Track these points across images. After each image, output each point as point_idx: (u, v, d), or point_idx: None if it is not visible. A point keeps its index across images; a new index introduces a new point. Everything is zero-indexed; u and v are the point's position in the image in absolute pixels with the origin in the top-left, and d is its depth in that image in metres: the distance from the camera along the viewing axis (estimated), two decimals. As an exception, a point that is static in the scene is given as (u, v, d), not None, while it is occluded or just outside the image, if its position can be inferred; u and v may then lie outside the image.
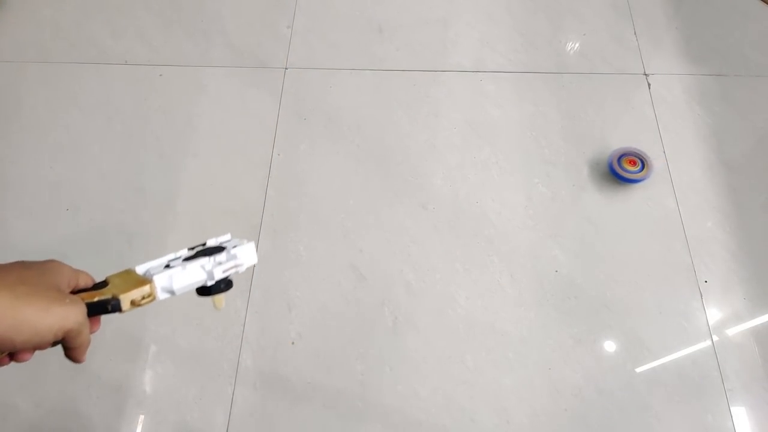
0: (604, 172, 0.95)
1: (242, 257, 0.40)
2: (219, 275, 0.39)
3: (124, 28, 1.14)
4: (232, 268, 0.39)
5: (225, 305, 0.42)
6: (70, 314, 0.32)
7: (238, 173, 0.97)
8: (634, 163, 0.92)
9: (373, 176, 0.97)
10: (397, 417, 0.79)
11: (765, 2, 1.13)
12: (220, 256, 0.39)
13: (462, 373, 0.81)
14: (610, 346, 0.83)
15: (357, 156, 0.99)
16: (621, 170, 0.91)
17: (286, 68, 1.08)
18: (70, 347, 0.34)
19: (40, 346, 0.32)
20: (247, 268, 0.41)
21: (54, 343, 0.33)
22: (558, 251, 0.89)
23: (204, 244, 0.41)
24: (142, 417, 0.80)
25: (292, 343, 0.84)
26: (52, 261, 0.35)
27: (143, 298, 0.36)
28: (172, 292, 0.37)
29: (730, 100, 1.02)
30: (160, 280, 0.36)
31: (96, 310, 0.34)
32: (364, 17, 1.14)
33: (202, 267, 0.38)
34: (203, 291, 0.39)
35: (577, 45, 1.10)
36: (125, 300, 0.35)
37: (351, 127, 1.02)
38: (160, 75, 1.08)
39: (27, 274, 0.33)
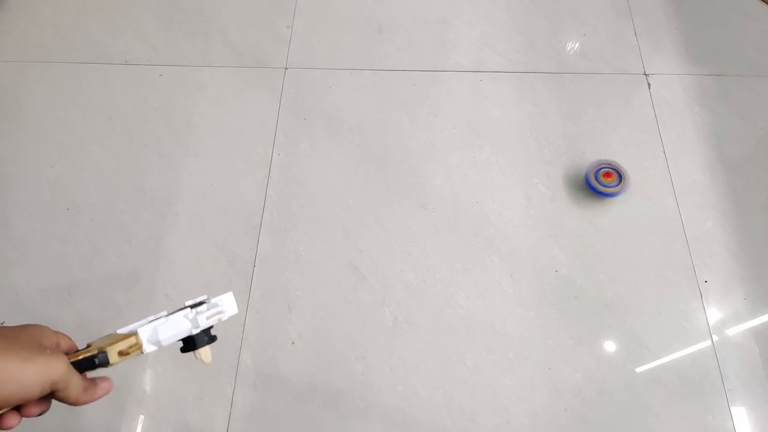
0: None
1: (223, 305, 0.41)
2: (203, 323, 0.39)
3: (124, 28, 1.14)
4: (215, 315, 0.40)
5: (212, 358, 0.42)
6: (53, 363, 0.32)
7: (238, 173, 0.97)
8: (610, 176, 0.91)
9: (373, 176, 0.97)
10: (397, 417, 0.79)
11: (765, 2, 1.13)
12: (201, 307, 0.40)
13: (462, 373, 0.81)
14: (610, 346, 0.83)
15: (357, 156, 0.99)
16: (597, 184, 0.90)
17: (286, 68, 1.08)
18: (63, 400, 0.34)
19: (26, 400, 0.31)
20: (230, 317, 0.41)
21: (46, 398, 0.33)
22: (558, 251, 0.89)
23: (183, 306, 0.41)
24: (142, 417, 0.80)
25: (292, 343, 0.84)
26: (31, 324, 0.35)
27: (130, 347, 0.36)
28: (158, 343, 0.37)
29: (730, 100, 1.02)
30: (144, 332, 0.37)
31: (83, 366, 0.35)
32: (364, 17, 1.14)
33: (185, 316, 0.38)
34: (188, 345, 0.39)
35: (577, 45, 1.10)
36: (112, 352, 0.35)
37: (351, 127, 1.02)
38: (160, 75, 1.08)
39: (5, 332, 0.33)
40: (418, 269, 0.89)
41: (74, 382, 0.33)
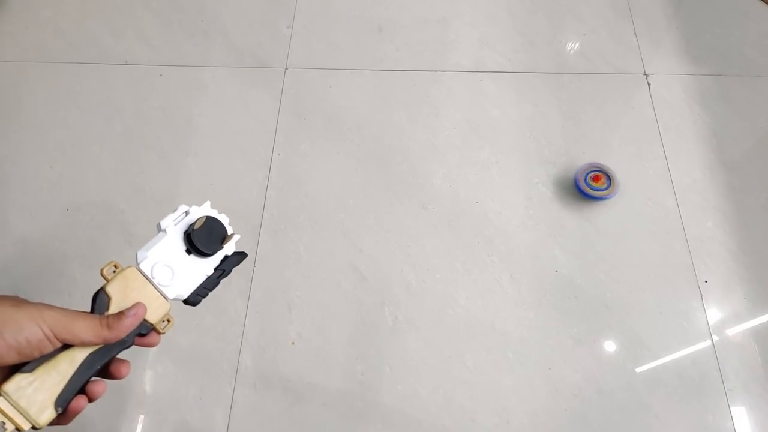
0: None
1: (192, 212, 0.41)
2: (164, 223, 0.40)
3: (124, 28, 1.14)
4: (180, 216, 0.41)
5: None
6: (44, 308, 0.32)
7: (238, 173, 0.97)
8: (599, 179, 0.91)
9: (373, 176, 0.97)
10: (397, 417, 0.79)
11: (765, 2, 1.13)
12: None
13: (462, 373, 0.81)
14: (610, 346, 0.83)
15: (357, 156, 0.99)
16: (587, 187, 0.90)
17: (286, 68, 1.08)
18: (84, 343, 0.33)
19: (35, 346, 0.31)
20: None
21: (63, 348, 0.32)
22: (558, 251, 0.89)
23: (187, 213, 0.41)
24: (142, 417, 0.80)
25: (292, 343, 0.84)
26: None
27: (115, 266, 0.37)
28: (144, 255, 0.38)
29: (730, 100, 1.02)
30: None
31: (91, 309, 0.34)
32: (364, 17, 1.14)
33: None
34: (190, 243, 0.40)
35: (577, 45, 1.10)
36: (107, 285, 0.35)
37: (351, 127, 1.02)
38: (160, 75, 1.08)
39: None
40: (418, 269, 0.89)
41: (80, 324, 0.32)
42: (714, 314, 0.84)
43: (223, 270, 0.41)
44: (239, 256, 0.42)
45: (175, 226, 0.39)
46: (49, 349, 0.32)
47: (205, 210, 0.42)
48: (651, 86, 1.04)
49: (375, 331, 0.84)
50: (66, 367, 0.32)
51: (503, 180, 0.96)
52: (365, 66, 1.08)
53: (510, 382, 0.81)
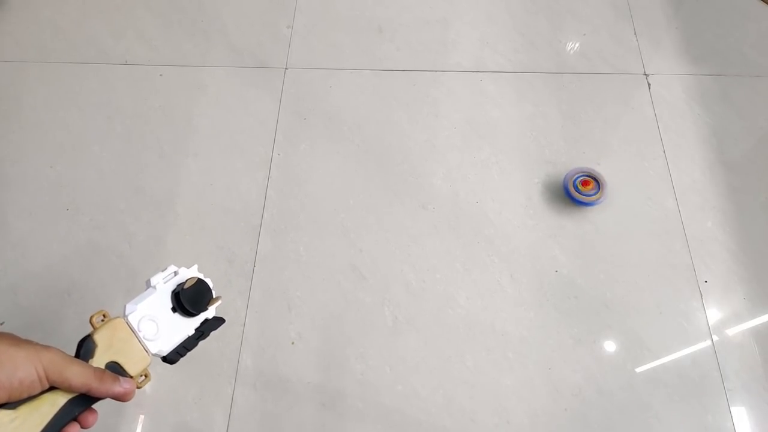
0: (605, 171, 0.95)
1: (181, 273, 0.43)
2: (155, 280, 0.41)
3: (124, 28, 1.14)
4: (170, 276, 0.43)
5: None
6: (42, 350, 0.32)
7: (238, 173, 0.97)
8: (588, 184, 0.91)
9: (373, 176, 0.97)
10: (397, 417, 0.79)
11: (765, 2, 1.13)
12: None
13: (462, 373, 0.81)
14: (610, 346, 0.83)
15: (357, 156, 0.99)
16: (575, 192, 0.90)
17: (286, 68, 1.08)
18: (70, 389, 0.33)
19: (26, 387, 0.31)
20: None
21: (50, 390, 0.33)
22: (558, 251, 0.89)
23: (175, 272, 0.43)
24: (142, 417, 0.80)
25: (292, 343, 0.84)
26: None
27: (104, 315, 0.38)
28: (133, 308, 0.39)
29: (730, 100, 1.02)
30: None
31: (76, 354, 0.35)
32: (364, 17, 1.14)
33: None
34: (178, 304, 0.42)
35: (577, 45, 1.10)
36: (95, 334, 0.36)
37: (351, 127, 1.02)
38: (160, 75, 1.08)
39: None
40: (418, 269, 0.89)
41: (73, 369, 0.33)
42: (714, 314, 0.84)
43: (202, 332, 0.43)
44: (218, 321, 0.44)
45: (164, 284, 0.41)
46: (37, 390, 0.32)
47: (194, 272, 0.44)
48: (651, 86, 1.04)
49: (375, 331, 0.84)
50: (47, 409, 0.33)
51: (503, 180, 0.96)
52: (365, 66, 1.08)
53: (510, 382, 0.81)
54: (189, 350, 0.41)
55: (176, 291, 0.41)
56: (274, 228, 0.92)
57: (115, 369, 0.36)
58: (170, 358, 0.40)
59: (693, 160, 0.96)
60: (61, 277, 0.89)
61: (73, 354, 0.35)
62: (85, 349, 0.35)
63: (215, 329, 0.43)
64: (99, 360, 0.35)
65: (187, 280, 0.42)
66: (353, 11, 1.15)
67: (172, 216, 0.94)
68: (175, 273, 0.43)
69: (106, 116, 1.04)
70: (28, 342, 0.33)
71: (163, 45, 1.11)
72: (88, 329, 0.37)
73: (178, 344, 0.41)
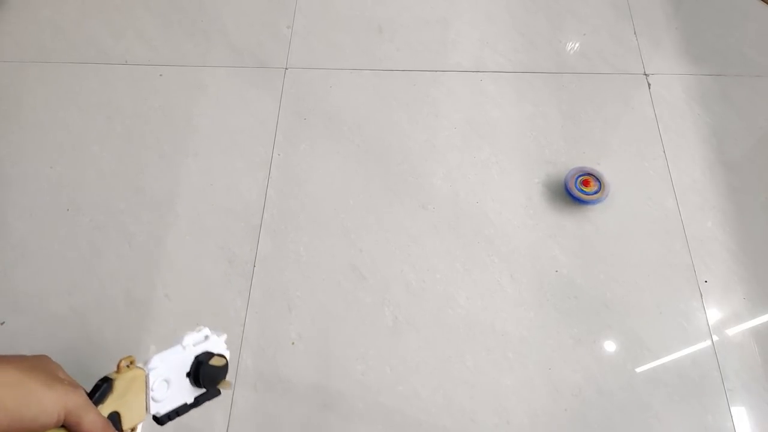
0: (605, 171, 0.95)
1: (212, 340, 0.44)
2: (187, 340, 0.42)
3: (124, 28, 1.14)
4: (202, 341, 0.43)
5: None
6: (71, 392, 0.32)
7: (238, 173, 0.97)
8: (589, 184, 0.91)
9: (373, 176, 0.97)
10: (397, 417, 0.79)
11: (765, 2, 1.13)
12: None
13: (462, 373, 0.81)
14: (610, 346, 0.83)
15: (357, 156, 0.99)
16: (577, 191, 0.90)
17: (286, 68, 1.08)
18: None
19: (44, 426, 0.31)
20: (221, 349, 0.44)
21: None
22: (558, 251, 0.89)
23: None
24: (142, 417, 0.80)
25: (292, 343, 0.84)
26: (44, 355, 0.36)
27: (129, 364, 0.38)
28: (156, 365, 0.39)
29: (730, 100, 1.02)
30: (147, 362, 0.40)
31: (91, 396, 0.36)
32: (364, 17, 1.14)
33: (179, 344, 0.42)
34: (195, 378, 0.42)
35: (577, 45, 1.10)
36: (117, 378, 0.37)
37: (351, 127, 1.02)
38: (160, 75, 1.08)
39: (23, 360, 0.33)
40: (418, 269, 0.89)
41: (90, 416, 0.33)
42: (714, 314, 0.84)
43: (197, 401, 0.43)
44: (216, 394, 0.44)
45: (192, 347, 0.42)
46: (49, 429, 0.32)
47: (222, 343, 0.44)
48: (651, 86, 1.04)
49: (375, 331, 0.84)
50: None
51: (503, 180, 0.96)
52: (365, 66, 1.08)
53: (510, 382, 0.81)
54: (179, 416, 0.41)
55: (200, 359, 0.42)
56: (274, 228, 0.92)
57: (114, 420, 0.36)
58: (161, 420, 0.40)
59: (693, 160, 0.96)
60: (61, 277, 0.89)
61: (88, 383, 0.36)
62: (102, 392, 0.36)
63: (209, 400, 0.43)
64: (108, 407, 0.36)
65: (214, 356, 0.42)
66: (353, 11, 1.15)
67: (172, 216, 0.94)
68: (206, 337, 0.43)
69: (106, 116, 1.04)
70: (59, 382, 0.33)
71: (163, 45, 1.11)
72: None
73: (173, 409, 0.41)
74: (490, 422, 0.78)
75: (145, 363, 0.39)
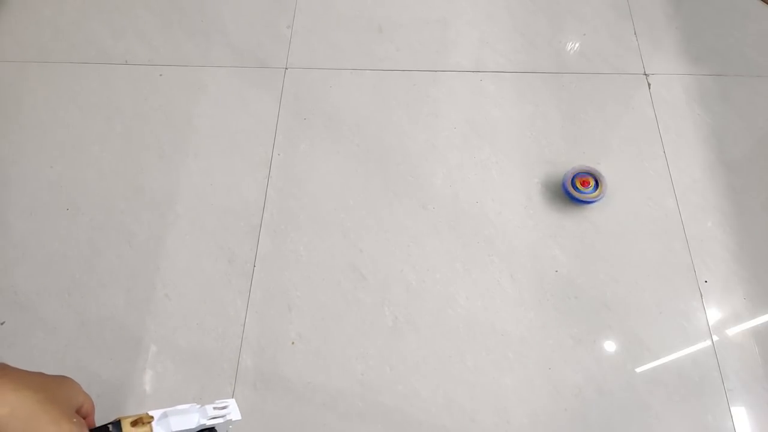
0: (605, 171, 0.95)
1: (229, 408, 0.43)
2: (210, 413, 0.42)
3: (124, 28, 1.14)
4: (221, 412, 0.42)
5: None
6: (77, 430, 0.33)
7: (238, 173, 0.97)
8: (587, 183, 0.91)
9: (373, 176, 0.97)
10: (397, 417, 0.79)
11: (765, 2, 1.13)
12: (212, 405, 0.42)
13: (462, 373, 0.81)
14: (610, 346, 0.83)
15: (357, 156, 0.99)
16: (574, 191, 0.90)
17: (286, 68, 1.08)
18: None
19: None
20: (234, 421, 0.43)
21: None
22: (558, 251, 0.89)
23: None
24: (142, 417, 0.80)
25: (292, 343, 0.84)
26: (66, 378, 0.37)
27: (141, 417, 0.39)
28: (167, 426, 0.40)
29: (730, 100, 1.02)
30: (156, 413, 0.40)
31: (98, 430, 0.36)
32: (364, 17, 1.14)
33: (194, 407, 0.42)
34: None
35: (577, 45, 1.10)
36: (125, 422, 0.37)
37: (351, 127, 1.02)
38: (160, 75, 1.08)
39: (47, 381, 0.34)
40: (418, 269, 0.89)
41: None
42: (714, 314, 0.84)
43: None
44: None
45: (209, 420, 0.42)
46: None
47: (236, 413, 0.44)
48: (651, 86, 1.04)
49: (375, 331, 0.84)
50: None
51: (503, 180, 0.96)
52: (365, 66, 1.08)
53: (510, 382, 0.81)
54: None
55: (209, 428, 0.42)
56: (274, 228, 0.92)
57: None
58: None
59: (693, 160, 0.96)
60: (61, 277, 0.89)
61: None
62: None
63: None
64: None
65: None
66: (353, 11, 1.15)
67: (172, 216, 0.94)
68: (225, 407, 0.43)
69: (106, 116, 1.04)
70: (68, 420, 0.33)
71: (163, 45, 1.11)
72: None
73: None
74: (490, 422, 0.78)
75: (157, 419, 0.39)
